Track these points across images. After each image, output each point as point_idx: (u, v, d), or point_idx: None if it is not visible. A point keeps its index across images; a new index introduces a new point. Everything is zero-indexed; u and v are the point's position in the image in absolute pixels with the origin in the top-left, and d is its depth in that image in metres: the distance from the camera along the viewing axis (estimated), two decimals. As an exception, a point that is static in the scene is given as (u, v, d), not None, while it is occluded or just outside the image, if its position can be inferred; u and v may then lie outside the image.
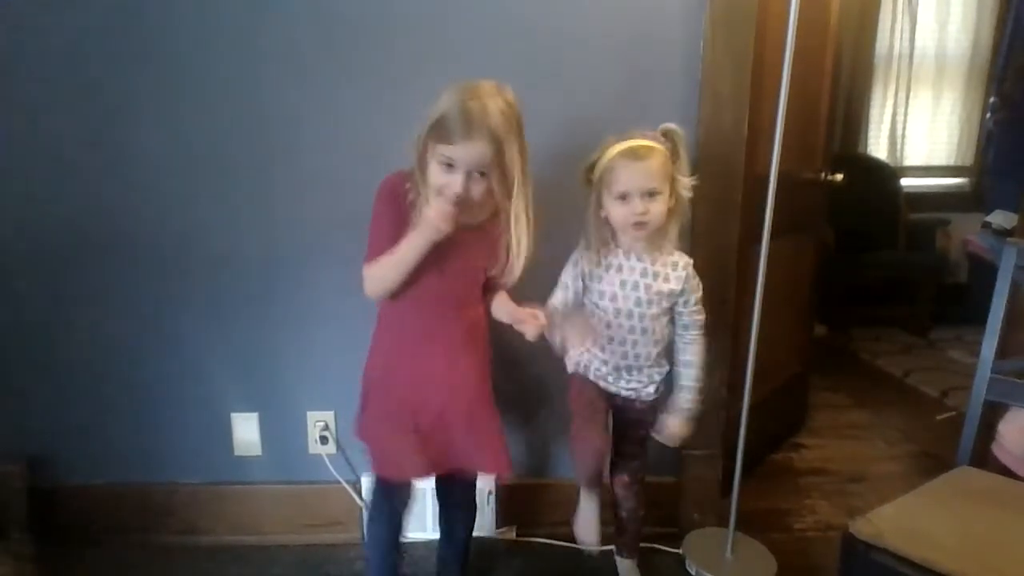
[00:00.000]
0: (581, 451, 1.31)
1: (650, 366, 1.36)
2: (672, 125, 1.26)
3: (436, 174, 1.14)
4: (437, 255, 1.18)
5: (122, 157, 1.50)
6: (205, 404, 1.63)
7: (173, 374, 1.62)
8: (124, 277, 1.57)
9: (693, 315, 1.35)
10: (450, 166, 1.13)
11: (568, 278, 1.35)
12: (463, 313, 1.26)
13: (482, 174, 1.13)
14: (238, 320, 1.59)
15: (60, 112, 1.48)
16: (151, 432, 1.64)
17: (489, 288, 1.30)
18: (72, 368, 1.61)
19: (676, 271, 1.32)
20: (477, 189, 1.14)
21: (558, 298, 1.35)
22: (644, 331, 1.32)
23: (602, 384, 1.38)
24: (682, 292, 1.32)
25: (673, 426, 1.37)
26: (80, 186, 1.52)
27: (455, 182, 1.12)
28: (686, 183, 1.26)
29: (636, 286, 1.30)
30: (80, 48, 1.45)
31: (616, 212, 1.26)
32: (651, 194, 1.23)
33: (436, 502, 1.46)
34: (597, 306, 1.33)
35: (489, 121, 1.09)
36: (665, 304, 1.32)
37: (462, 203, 1.13)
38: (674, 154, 1.25)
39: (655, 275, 1.31)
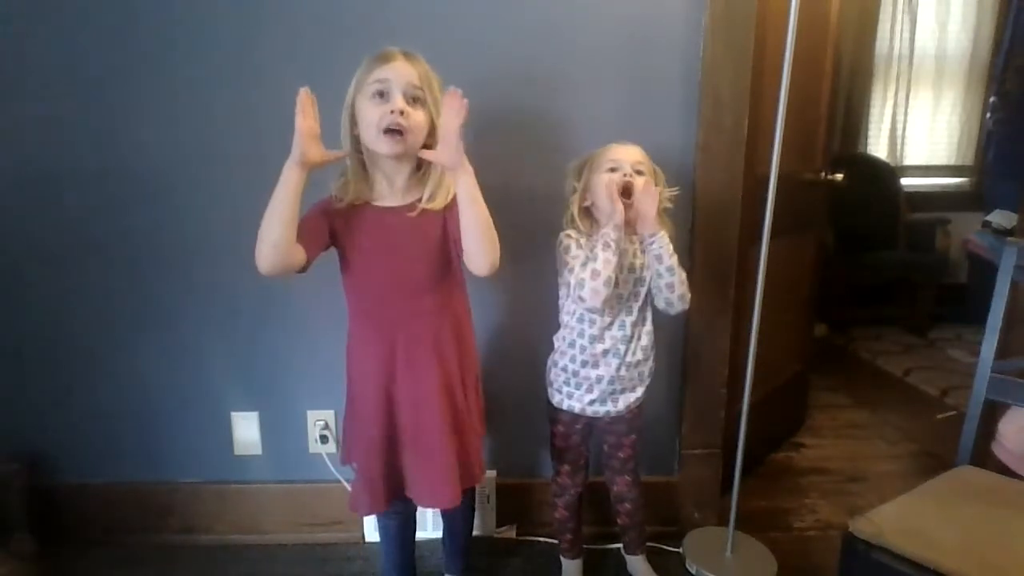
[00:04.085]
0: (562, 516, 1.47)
1: (648, 362, 1.36)
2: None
3: (371, 110, 1.09)
4: (384, 249, 1.16)
5: (122, 157, 1.50)
6: (205, 403, 1.64)
7: (173, 373, 1.62)
8: (124, 277, 1.57)
9: None
10: (382, 94, 1.09)
11: (583, 254, 1.28)
12: (424, 309, 1.19)
13: (415, 99, 1.11)
14: (238, 320, 1.59)
15: (60, 112, 1.48)
16: (151, 431, 1.65)
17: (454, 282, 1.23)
18: (72, 368, 1.61)
19: None
20: (416, 116, 1.10)
21: (586, 267, 1.25)
22: (643, 319, 1.34)
23: (590, 411, 1.36)
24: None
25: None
26: (80, 186, 1.52)
27: (393, 102, 1.08)
28: (667, 194, 1.32)
29: (632, 268, 1.32)
30: (80, 48, 1.45)
31: (604, 181, 1.27)
32: (638, 172, 1.28)
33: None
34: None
35: (410, 53, 1.13)
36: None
37: (404, 131, 1.09)
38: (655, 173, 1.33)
39: (637, 251, 1.33)
